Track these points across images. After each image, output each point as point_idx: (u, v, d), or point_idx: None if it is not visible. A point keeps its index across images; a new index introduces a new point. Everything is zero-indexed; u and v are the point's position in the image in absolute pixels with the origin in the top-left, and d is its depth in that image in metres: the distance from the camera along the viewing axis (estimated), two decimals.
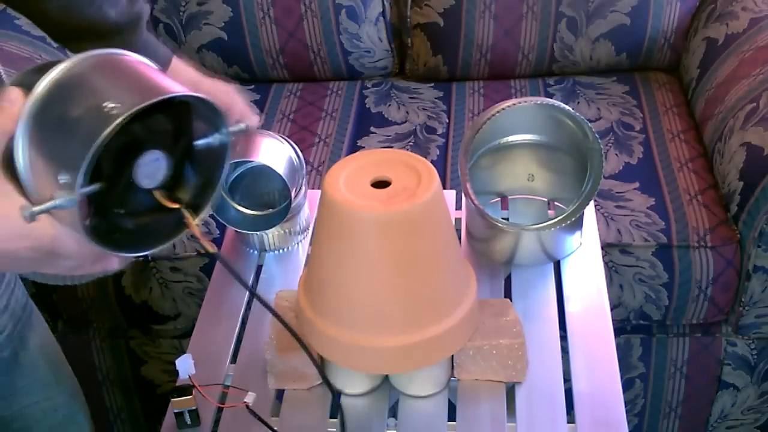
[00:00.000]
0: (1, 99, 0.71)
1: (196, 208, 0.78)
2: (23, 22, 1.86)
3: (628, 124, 1.83)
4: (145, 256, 1.59)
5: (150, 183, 0.74)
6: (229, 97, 1.06)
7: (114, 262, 0.78)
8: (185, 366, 1.02)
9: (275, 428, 1.03)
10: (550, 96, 1.93)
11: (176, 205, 0.76)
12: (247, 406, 1.04)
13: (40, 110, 0.71)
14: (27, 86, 0.72)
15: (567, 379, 1.08)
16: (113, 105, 0.68)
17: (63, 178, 0.68)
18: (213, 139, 0.78)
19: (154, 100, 0.69)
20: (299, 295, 1.08)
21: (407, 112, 1.94)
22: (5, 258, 0.72)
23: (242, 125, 0.78)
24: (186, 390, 1.02)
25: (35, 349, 1.15)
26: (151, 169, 0.73)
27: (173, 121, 0.75)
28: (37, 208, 0.68)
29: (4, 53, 1.69)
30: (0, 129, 0.70)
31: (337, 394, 1.09)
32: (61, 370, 1.24)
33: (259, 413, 1.04)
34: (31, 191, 0.71)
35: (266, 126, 1.88)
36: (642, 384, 1.70)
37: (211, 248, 0.78)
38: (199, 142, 0.78)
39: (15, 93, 0.71)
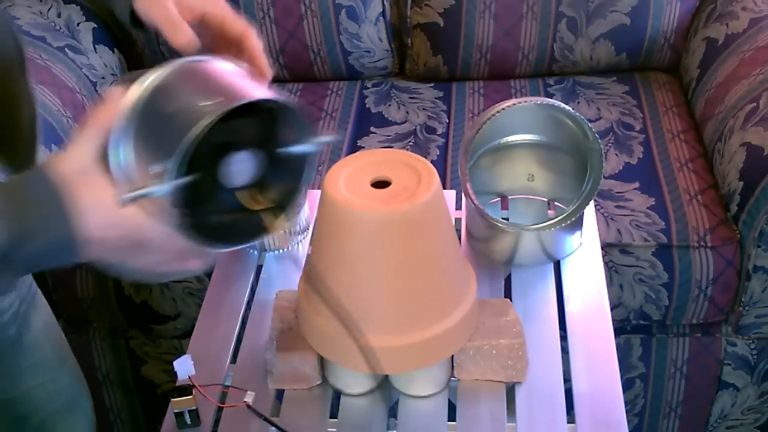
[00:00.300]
0: (104, 97, 0.76)
1: (279, 212, 0.80)
2: (23, 22, 1.86)
3: (628, 124, 1.83)
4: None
5: (236, 183, 0.77)
6: (251, 39, 0.98)
7: (195, 263, 0.81)
8: (184, 367, 1.02)
9: (277, 424, 1.03)
10: (550, 96, 1.93)
11: (259, 207, 0.78)
12: (248, 405, 1.04)
13: (137, 108, 0.75)
14: (127, 85, 0.77)
15: (567, 379, 1.08)
16: (209, 103, 0.73)
17: (156, 168, 0.72)
18: (299, 147, 0.80)
19: (248, 100, 0.74)
20: (299, 295, 1.08)
21: (407, 112, 1.94)
22: (95, 245, 0.75)
23: (329, 137, 0.81)
24: (186, 390, 1.02)
25: (39, 329, 1.17)
26: (238, 169, 0.77)
27: (261, 126, 0.78)
28: (131, 194, 0.73)
29: None
30: (100, 124, 0.75)
31: (336, 394, 1.09)
32: (64, 352, 1.25)
33: (259, 411, 1.04)
34: (126, 182, 0.75)
35: None
36: (642, 384, 1.70)
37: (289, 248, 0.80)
38: (285, 149, 0.80)
39: (116, 92, 0.76)
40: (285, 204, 0.81)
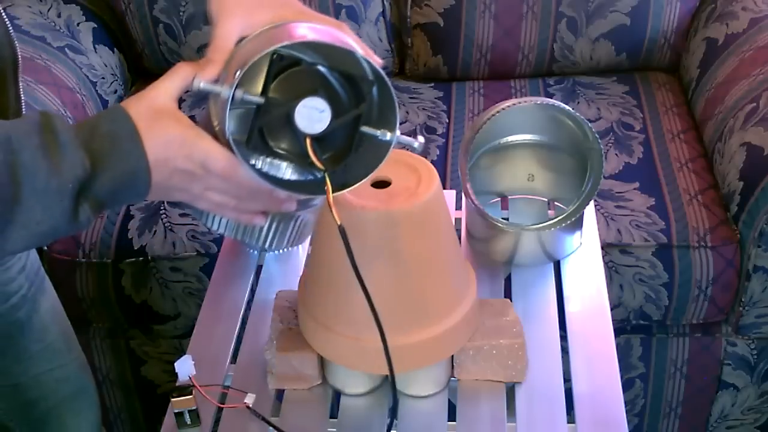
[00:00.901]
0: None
1: (340, 186, 0.82)
2: (23, 22, 1.86)
3: (628, 124, 1.84)
4: (146, 255, 1.59)
5: (306, 128, 0.79)
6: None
7: (261, 218, 0.87)
8: (185, 367, 1.02)
9: (277, 426, 1.03)
10: (550, 96, 1.93)
11: (320, 165, 0.80)
12: (248, 407, 1.04)
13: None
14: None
15: (567, 379, 1.08)
16: (304, 34, 0.80)
17: (237, 74, 0.78)
18: (379, 133, 0.82)
19: (345, 46, 0.79)
20: (299, 295, 1.08)
21: (407, 112, 1.94)
22: (164, 169, 0.80)
23: (415, 143, 0.84)
24: (186, 390, 1.02)
25: (47, 313, 1.18)
26: (313, 116, 0.79)
27: (353, 94, 0.81)
28: (203, 84, 0.79)
29: None
30: (181, 73, 0.82)
31: (336, 394, 1.09)
32: (71, 339, 1.26)
33: (260, 413, 1.04)
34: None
35: None
36: (642, 384, 1.70)
37: (339, 219, 0.83)
38: (367, 129, 0.82)
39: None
40: (349, 184, 0.83)
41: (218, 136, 0.82)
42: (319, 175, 0.83)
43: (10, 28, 0.98)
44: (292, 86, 0.80)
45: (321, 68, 0.81)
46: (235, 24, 0.84)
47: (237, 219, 0.89)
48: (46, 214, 0.75)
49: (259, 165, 0.83)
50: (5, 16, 0.97)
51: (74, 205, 0.76)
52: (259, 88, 0.80)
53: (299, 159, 0.82)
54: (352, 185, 0.83)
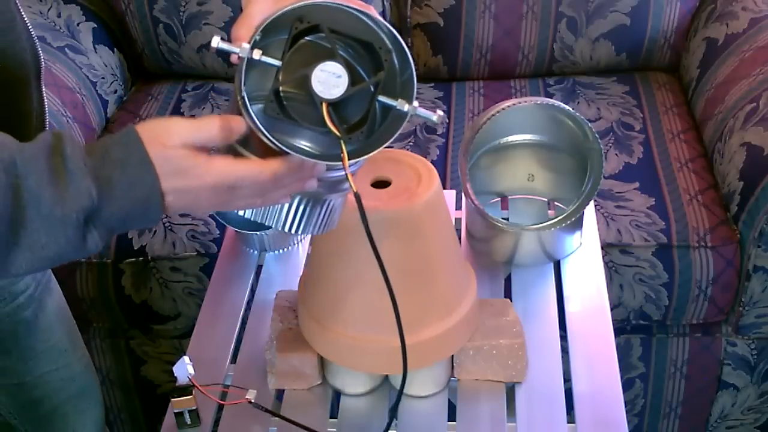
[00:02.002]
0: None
1: (353, 154, 0.81)
2: None
3: (628, 124, 1.83)
4: (146, 255, 1.59)
5: (322, 92, 0.79)
6: None
7: (286, 198, 0.84)
8: (182, 370, 1.02)
9: (283, 416, 1.03)
10: (550, 96, 1.93)
11: (336, 131, 0.80)
12: (250, 401, 1.04)
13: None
14: None
15: (567, 379, 1.08)
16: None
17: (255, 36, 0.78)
18: (395, 103, 0.81)
19: (364, 10, 0.79)
20: (299, 295, 1.08)
21: None
22: (186, 197, 0.78)
23: (434, 116, 0.83)
24: (186, 390, 1.02)
25: (52, 313, 1.18)
26: (330, 81, 0.78)
27: (372, 64, 0.81)
28: (220, 43, 0.78)
29: None
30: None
31: (336, 394, 1.09)
32: (76, 337, 1.26)
33: (260, 414, 1.04)
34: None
35: None
36: (642, 384, 1.70)
37: (355, 187, 0.82)
38: (385, 99, 0.81)
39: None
40: (360, 155, 0.82)
41: (239, 113, 0.81)
42: (329, 149, 0.82)
43: (33, 33, 0.98)
44: (311, 53, 0.80)
45: (340, 35, 0.81)
46: (263, 5, 0.84)
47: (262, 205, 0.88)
48: (51, 239, 0.74)
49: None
50: (28, 22, 0.97)
51: (81, 232, 0.75)
52: (279, 55, 0.80)
53: (316, 126, 0.81)
54: (366, 155, 0.83)
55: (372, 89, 0.81)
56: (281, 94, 0.80)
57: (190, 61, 2.00)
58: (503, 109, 1.21)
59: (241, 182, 0.79)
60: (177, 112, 1.92)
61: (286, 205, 0.89)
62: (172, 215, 0.80)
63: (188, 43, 1.99)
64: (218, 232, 1.61)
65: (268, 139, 0.79)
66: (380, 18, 0.81)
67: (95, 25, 1.97)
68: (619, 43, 1.95)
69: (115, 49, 2.01)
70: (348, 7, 0.80)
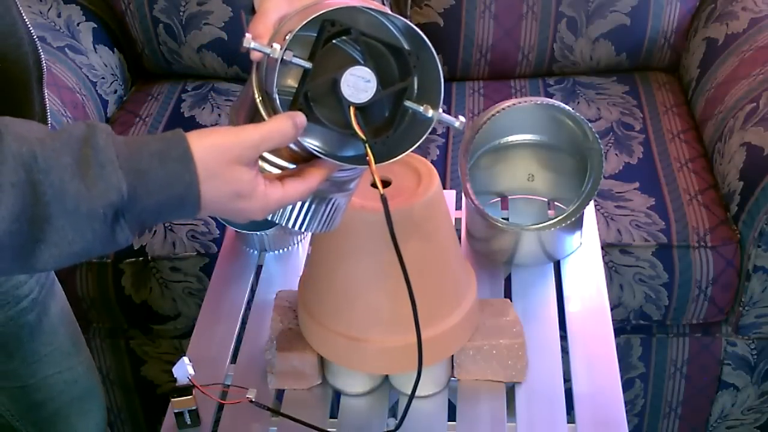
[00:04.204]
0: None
1: (380, 159, 0.82)
2: None
3: (628, 124, 1.83)
4: (146, 255, 1.59)
5: (351, 96, 0.79)
6: None
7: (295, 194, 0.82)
8: (182, 371, 1.02)
9: (284, 413, 1.03)
10: (550, 96, 1.93)
11: (362, 136, 0.80)
12: (251, 400, 1.04)
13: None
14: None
15: (567, 379, 1.08)
16: (355, 2, 0.81)
17: (287, 37, 0.79)
18: (420, 109, 0.82)
19: (394, 14, 0.79)
20: (299, 295, 1.08)
21: None
22: (213, 205, 0.77)
23: (456, 122, 0.83)
24: (186, 390, 1.02)
25: (56, 316, 1.18)
26: (359, 85, 0.79)
27: (400, 68, 0.82)
28: (253, 43, 0.79)
29: None
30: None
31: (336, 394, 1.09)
32: (79, 341, 1.26)
33: (260, 413, 1.04)
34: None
35: None
36: (642, 384, 1.70)
37: (382, 190, 0.82)
38: (411, 104, 0.82)
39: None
40: (386, 158, 0.82)
41: (255, 112, 0.81)
42: (350, 151, 0.82)
43: (35, 36, 0.97)
44: (340, 56, 0.81)
45: (369, 39, 0.81)
46: (279, 2, 0.84)
47: None
48: (78, 235, 0.72)
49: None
50: (30, 26, 0.97)
51: (109, 227, 0.73)
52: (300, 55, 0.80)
53: (340, 128, 0.81)
54: (392, 158, 0.83)
55: (398, 94, 0.81)
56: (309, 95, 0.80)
57: (190, 61, 2.00)
58: (503, 109, 1.21)
59: (287, 203, 0.80)
60: (177, 112, 1.91)
61: None
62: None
63: (188, 43, 1.99)
64: (218, 232, 1.61)
65: (306, 144, 0.79)
66: (410, 23, 0.81)
67: (95, 25, 1.97)
68: (619, 43, 1.95)
69: (115, 49, 2.01)
70: (380, 13, 0.81)
